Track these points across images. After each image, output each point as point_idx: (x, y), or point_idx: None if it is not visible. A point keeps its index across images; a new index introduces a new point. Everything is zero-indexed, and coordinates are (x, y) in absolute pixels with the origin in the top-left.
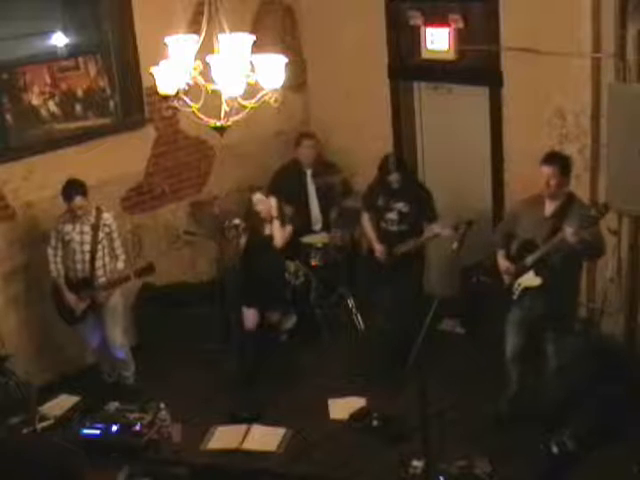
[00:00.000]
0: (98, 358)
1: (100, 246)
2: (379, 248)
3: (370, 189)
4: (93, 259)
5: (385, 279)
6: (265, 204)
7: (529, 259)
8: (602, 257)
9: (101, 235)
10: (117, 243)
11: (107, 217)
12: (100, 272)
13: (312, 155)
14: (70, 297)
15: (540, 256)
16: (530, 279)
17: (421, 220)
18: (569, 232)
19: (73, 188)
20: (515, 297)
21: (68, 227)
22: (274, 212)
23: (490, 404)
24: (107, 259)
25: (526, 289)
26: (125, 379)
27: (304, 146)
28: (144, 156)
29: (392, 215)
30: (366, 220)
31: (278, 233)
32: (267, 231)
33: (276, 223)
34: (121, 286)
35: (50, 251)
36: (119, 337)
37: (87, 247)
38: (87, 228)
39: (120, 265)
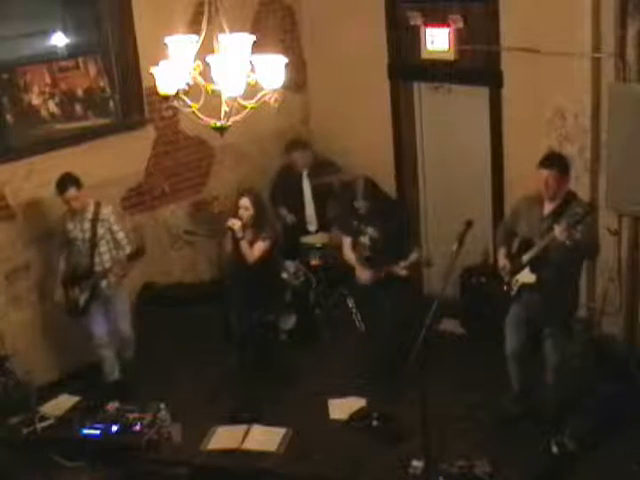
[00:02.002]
0: (101, 352)
1: (104, 241)
2: (360, 272)
3: (342, 211)
4: (95, 253)
5: (370, 295)
6: (247, 212)
7: (525, 256)
8: (597, 255)
9: (102, 231)
10: (120, 235)
11: (105, 212)
12: (107, 265)
13: (305, 161)
14: (58, 292)
15: (535, 253)
16: (526, 276)
17: (395, 248)
18: (558, 230)
19: (66, 180)
20: (513, 293)
21: (70, 225)
22: (239, 233)
23: (490, 404)
24: (113, 252)
25: (523, 286)
26: (124, 361)
27: (295, 156)
28: (144, 156)
29: (364, 239)
30: (346, 242)
31: (247, 252)
32: (248, 237)
33: (243, 243)
34: (119, 272)
35: (58, 251)
36: (128, 324)
37: (89, 243)
38: (87, 225)
39: (128, 251)
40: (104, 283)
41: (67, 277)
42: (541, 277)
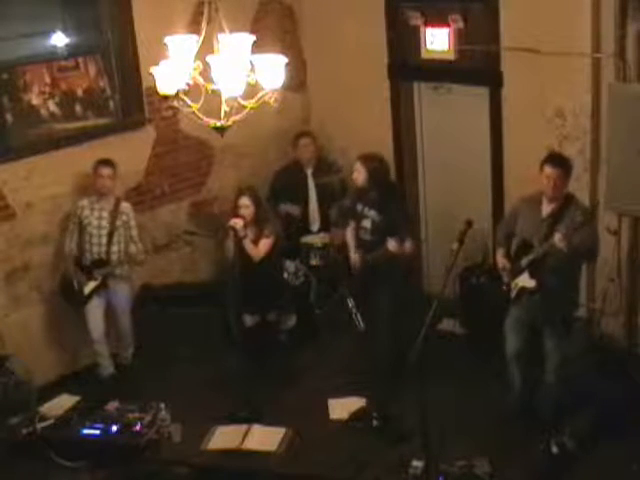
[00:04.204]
0: (96, 347)
1: (117, 233)
2: (354, 258)
3: (352, 197)
4: (110, 243)
5: (363, 287)
6: (248, 210)
7: (524, 260)
8: (597, 258)
9: (118, 223)
10: (134, 232)
11: (125, 206)
12: (115, 256)
13: (311, 153)
14: (79, 276)
15: (534, 258)
16: (525, 280)
17: (395, 233)
18: (557, 237)
19: (107, 160)
20: (512, 296)
21: (87, 211)
22: (242, 232)
23: (490, 404)
24: (122, 245)
25: (523, 289)
26: (124, 359)
27: (301, 145)
28: (144, 156)
29: (366, 223)
30: (350, 228)
31: (251, 250)
32: (250, 235)
33: (247, 242)
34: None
35: (67, 235)
36: (128, 319)
37: (104, 231)
38: (105, 214)
39: (132, 249)
40: (115, 272)
41: (75, 263)
42: (540, 282)
